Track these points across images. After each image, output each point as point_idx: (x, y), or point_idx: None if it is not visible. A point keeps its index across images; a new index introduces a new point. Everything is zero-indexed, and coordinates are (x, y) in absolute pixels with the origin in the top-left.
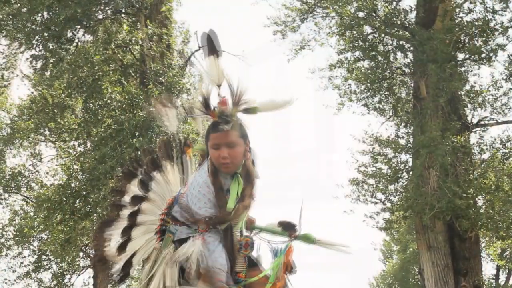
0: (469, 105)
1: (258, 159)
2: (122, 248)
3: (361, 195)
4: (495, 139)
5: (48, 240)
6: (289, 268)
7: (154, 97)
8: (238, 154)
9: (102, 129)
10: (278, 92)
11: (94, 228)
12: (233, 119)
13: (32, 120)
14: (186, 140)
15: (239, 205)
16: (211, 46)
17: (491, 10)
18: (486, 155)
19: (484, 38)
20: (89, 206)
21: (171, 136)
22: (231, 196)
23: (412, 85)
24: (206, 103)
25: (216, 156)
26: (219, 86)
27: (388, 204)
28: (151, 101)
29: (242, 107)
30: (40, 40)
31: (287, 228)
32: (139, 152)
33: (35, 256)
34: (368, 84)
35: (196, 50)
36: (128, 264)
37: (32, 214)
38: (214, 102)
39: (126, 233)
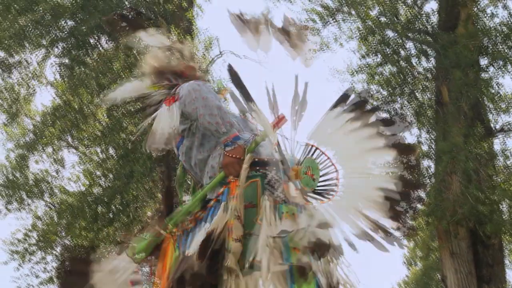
0: (492, 111)
1: None
2: None
3: None
4: None
5: (71, 246)
6: None
7: None
8: None
9: (125, 135)
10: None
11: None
12: None
13: (55, 126)
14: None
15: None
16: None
17: None
18: (510, 161)
19: (508, 44)
20: (112, 213)
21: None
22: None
23: (434, 90)
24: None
25: None
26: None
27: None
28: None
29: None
30: (65, 47)
31: None
32: None
33: (58, 262)
34: (390, 90)
35: (217, 56)
36: None
37: (55, 220)
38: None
39: None
